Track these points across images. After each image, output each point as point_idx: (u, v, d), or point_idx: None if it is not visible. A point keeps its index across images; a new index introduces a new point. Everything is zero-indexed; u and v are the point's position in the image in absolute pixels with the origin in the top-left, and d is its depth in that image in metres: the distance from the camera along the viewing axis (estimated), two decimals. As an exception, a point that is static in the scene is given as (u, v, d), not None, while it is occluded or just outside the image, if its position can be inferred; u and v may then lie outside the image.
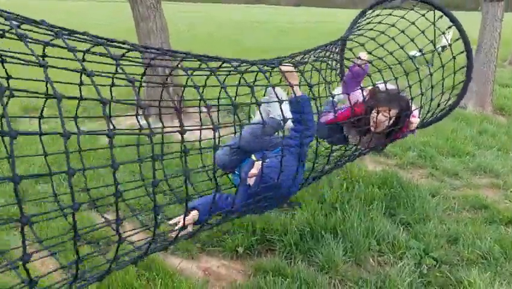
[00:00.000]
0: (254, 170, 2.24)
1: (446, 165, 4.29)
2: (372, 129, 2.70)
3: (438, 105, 3.16)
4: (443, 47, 6.42)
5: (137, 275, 2.45)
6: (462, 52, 2.91)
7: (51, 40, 1.33)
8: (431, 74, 2.80)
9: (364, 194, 3.48)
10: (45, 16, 1.55)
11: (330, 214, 3.16)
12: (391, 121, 2.69)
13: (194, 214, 2.23)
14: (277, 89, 2.69)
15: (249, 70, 2.21)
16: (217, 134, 1.55)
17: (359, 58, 2.75)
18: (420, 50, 2.93)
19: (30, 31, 1.37)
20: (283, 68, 2.25)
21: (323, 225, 3.01)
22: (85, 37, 1.41)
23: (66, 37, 1.32)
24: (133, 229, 2.36)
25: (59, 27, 1.38)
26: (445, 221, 3.18)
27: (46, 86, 1.26)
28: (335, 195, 3.42)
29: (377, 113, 2.64)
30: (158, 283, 2.39)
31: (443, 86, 2.94)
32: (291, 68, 2.26)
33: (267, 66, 2.29)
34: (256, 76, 2.43)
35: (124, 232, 1.39)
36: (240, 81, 2.39)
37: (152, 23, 5.18)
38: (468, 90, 6.57)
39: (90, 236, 2.73)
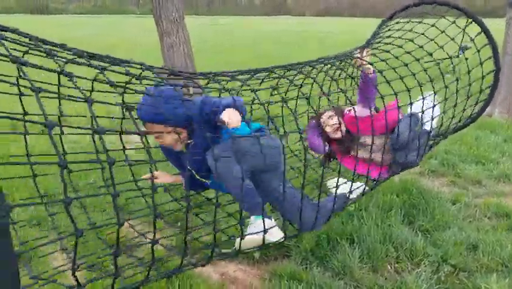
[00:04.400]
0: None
1: (469, 173, 4.23)
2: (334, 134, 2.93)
3: (464, 110, 3.15)
4: (463, 48, 6.33)
5: (156, 277, 2.55)
6: (489, 58, 2.92)
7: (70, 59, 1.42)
8: (457, 80, 2.81)
9: (382, 201, 3.48)
10: (74, 32, 1.67)
11: (347, 221, 3.18)
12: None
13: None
14: None
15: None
16: None
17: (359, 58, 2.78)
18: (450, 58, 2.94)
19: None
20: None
21: (339, 232, 3.03)
22: (107, 59, 1.52)
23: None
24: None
25: (82, 51, 1.48)
26: (465, 229, 3.14)
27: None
28: (353, 203, 3.43)
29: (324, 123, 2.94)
30: (176, 285, 2.47)
31: (468, 95, 2.95)
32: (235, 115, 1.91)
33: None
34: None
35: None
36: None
37: (175, 36, 5.37)
38: (494, 96, 6.46)
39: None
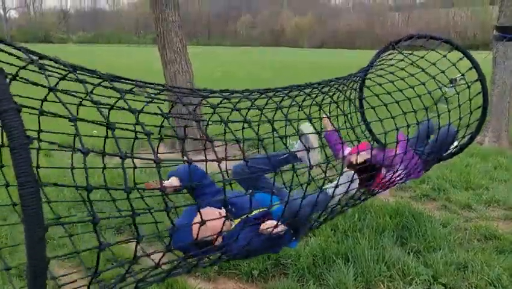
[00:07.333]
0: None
1: (460, 198, 4.38)
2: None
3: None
4: (454, 81, 6.56)
5: (159, 292, 2.66)
6: (479, 93, 3.07)
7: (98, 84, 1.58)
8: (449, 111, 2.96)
9: (376, 223, 3.61)
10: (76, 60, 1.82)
11: (342, 241, 3.31)
12: None
13: (173, 180, 2.17)
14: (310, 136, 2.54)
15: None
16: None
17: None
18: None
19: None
20: None
21: (335, 251, 3.16)
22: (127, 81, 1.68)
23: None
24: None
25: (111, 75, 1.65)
26: (455, 250, 3.27)
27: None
28: (348, 224, 3.57)
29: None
30: (178, 300, 2.58)
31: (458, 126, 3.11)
32: None
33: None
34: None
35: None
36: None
37: (178, 65, 5.63)
38: (485, 125, 6.61)
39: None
